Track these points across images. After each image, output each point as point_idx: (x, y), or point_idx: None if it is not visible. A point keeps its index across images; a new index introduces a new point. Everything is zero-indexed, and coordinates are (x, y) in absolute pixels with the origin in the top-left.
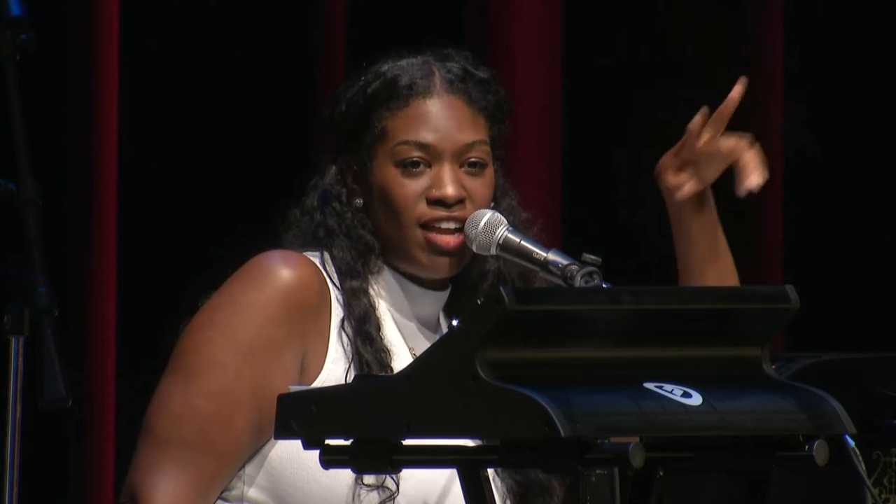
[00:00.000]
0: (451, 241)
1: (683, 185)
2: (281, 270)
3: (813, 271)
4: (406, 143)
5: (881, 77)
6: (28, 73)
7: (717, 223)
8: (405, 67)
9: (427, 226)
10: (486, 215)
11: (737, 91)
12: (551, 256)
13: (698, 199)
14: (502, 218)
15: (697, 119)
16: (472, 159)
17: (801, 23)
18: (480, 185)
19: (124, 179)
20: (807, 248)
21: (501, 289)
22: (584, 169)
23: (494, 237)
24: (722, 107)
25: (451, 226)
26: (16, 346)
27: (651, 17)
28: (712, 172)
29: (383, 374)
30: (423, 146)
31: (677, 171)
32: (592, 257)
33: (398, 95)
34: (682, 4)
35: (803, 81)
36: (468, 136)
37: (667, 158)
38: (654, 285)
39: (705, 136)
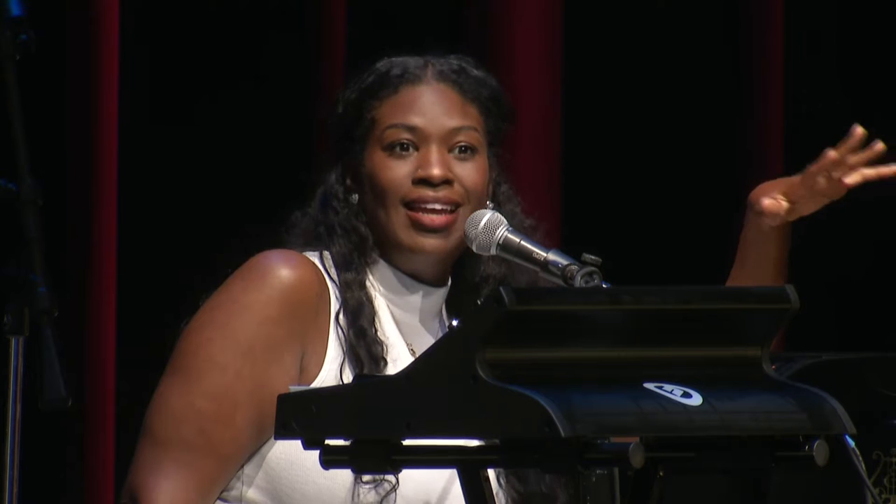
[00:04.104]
0: (436, 219)
1: (779, 213)
2: (280, 270)
3: (813, 271)
4: (394, 126)
5: (881, 77)
6: (28, 73)
7: (787, 247)
8: (399, 62)
9: (412, 205)
10: (487, 215)
11: (856, 139)
12: (551, 256)
13: (782, 225)
14: (502, 218)
15: (832, 156)
16: (462, 144)
17: (801, 23)
18: (470, 170)
19: (124, 179)
20: (807, 248)
21: (501, 289)
22: (584, 169)
23: (494, 237)
24: (859, 157)
25: (437, 206)
26: (16, 346)
27: (651, 18)
28: (811, 207)
29: (376, 367)
30: (410, 128)
31: (778, 198)
32: (592, 257)
33: (388, 84)
34: (681, 4)
35: (803, 81)
36: (456, 120)
37: (769, 185)
38: (654, 285)
39: (833, 176)
